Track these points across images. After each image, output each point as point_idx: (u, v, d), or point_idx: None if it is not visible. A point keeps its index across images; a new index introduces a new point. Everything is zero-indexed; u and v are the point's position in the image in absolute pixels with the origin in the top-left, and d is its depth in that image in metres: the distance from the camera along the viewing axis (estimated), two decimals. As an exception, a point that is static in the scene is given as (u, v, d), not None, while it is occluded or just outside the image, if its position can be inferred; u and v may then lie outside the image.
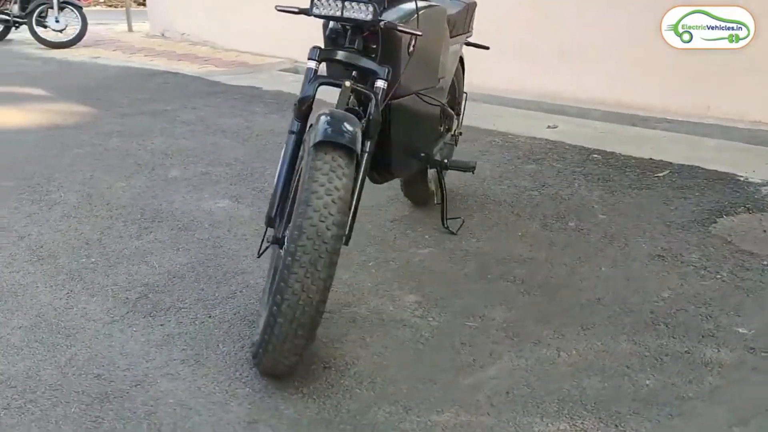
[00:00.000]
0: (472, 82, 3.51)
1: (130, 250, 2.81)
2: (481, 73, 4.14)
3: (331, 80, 2.03)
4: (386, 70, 1.97)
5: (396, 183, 3.06)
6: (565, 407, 1.88)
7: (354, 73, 2.04)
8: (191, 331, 2.22)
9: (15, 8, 9.45)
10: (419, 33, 2.00)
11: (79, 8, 9.39)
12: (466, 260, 2.77)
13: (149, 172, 3.85)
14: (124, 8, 12.31)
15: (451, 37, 2.72)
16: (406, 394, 1.94)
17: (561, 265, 2.73)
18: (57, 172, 3.82)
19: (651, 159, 4.08)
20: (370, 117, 1.94)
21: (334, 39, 2.02)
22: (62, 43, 9.30)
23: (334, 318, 2.30)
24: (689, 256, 2.79)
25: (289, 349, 1.80)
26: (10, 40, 10.02)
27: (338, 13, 1.91)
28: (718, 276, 2.63)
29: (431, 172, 3.01)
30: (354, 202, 1.91)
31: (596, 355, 2.12)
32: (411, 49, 2.09)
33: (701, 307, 2.41)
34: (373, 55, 2.01)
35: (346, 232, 1.81)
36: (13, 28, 9.74)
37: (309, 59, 2.00)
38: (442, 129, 2.99)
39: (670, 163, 3.95)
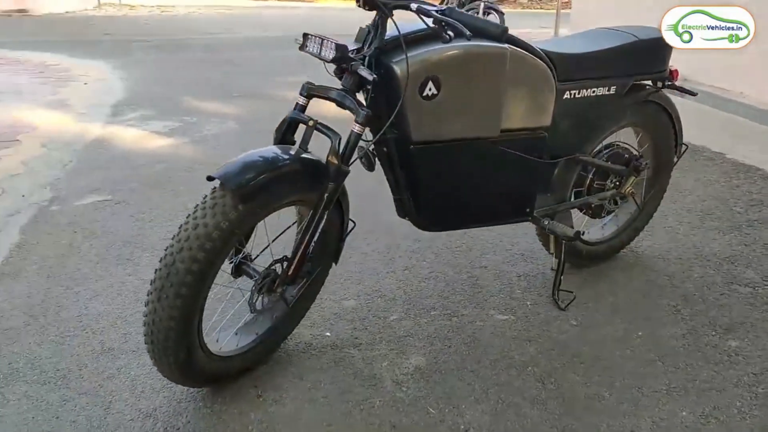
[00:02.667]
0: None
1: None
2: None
3: (298, 115, 1.97)
4: (363, 113, 1.88)
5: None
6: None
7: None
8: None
9: None
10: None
11: (501, 13, 9.29)
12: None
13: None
14: (553, 10, 11.79)
15: (574, 80, 2.31)
16: None
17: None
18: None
19: None
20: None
21: (338, 75, 1.97)
22: None
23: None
24: None
25: (161, 364, 1.86)
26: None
27: (316, 51, 1.89)
28: None
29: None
30: (305, 238, 1.96)
31: None
32: (428, 93, 1.95)
33: None
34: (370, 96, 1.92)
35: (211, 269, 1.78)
36: None
37: (299, 94, 1.97)
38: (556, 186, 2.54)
39: None
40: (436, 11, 1.83)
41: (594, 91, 2.38)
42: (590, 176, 2.64)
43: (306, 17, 14.95)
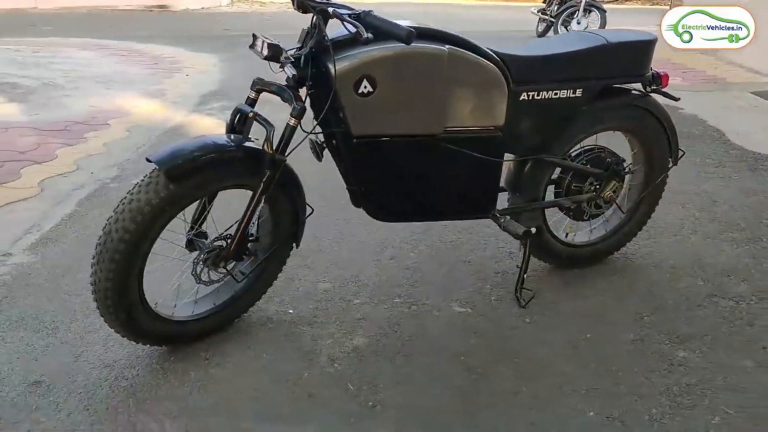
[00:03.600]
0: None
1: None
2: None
3: (243, 107, 2.16)
4: (296, 107, 2.07)
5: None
6: None
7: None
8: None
9: (554, 8, 10.26)
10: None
11: (603, 11, 9.73)
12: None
13: None
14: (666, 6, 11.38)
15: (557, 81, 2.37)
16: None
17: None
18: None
19: None
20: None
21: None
22: None
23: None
24: None
25: (107, 321, 2.14)
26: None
27: (258, 50, 2.08)
28: None
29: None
30: (243, 220, 2.17)
31: None
32: (363, 90, 2.09)
33: None
34: (310, 92, 2.12)
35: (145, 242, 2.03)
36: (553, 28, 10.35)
37: (250, 88, 2.17)
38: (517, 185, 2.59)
39: None
40: (349, 15, 1.97)
41: (556, 94, 2.41)
42: (568, 178, 2.67)
43: (447, 15, 15.12)
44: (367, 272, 2.85)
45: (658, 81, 2.61)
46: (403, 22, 2.07)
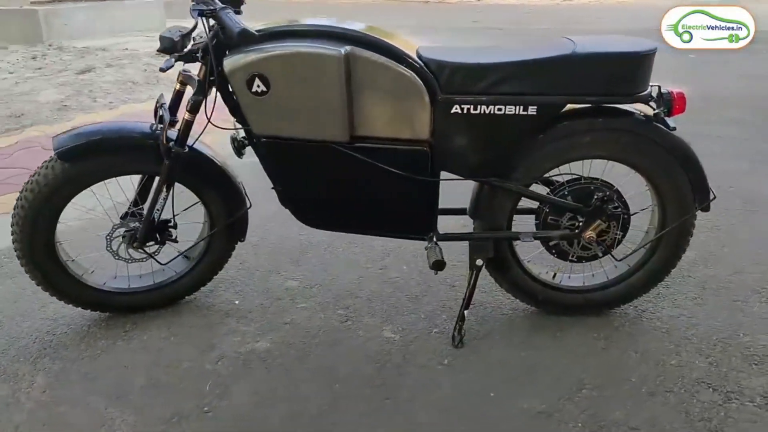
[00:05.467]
0: None
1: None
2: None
3: (161, 98, 2.25)
4: (191, 101, 2.10)
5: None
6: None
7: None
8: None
9: None
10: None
11: None
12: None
13: None
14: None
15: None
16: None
17: None
18: None
19: None
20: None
21: None
22: None
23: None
24: None
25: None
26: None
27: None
28: None
29: None
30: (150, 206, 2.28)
31: None
32: (257, 89, 2.03)
33: None
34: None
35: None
36: None
37: (176, 80, 2.22)
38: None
39: None
40: (200, 13, 1.92)
41: (500, 110, 2.06)
42: (545, 210, 2.28)
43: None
44: (343, 279, 2.75)
45: (669, 103, 2.09)
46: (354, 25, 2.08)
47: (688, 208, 2.23)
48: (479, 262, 2.26)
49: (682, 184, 2.20)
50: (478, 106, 2.06)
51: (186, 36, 2.08)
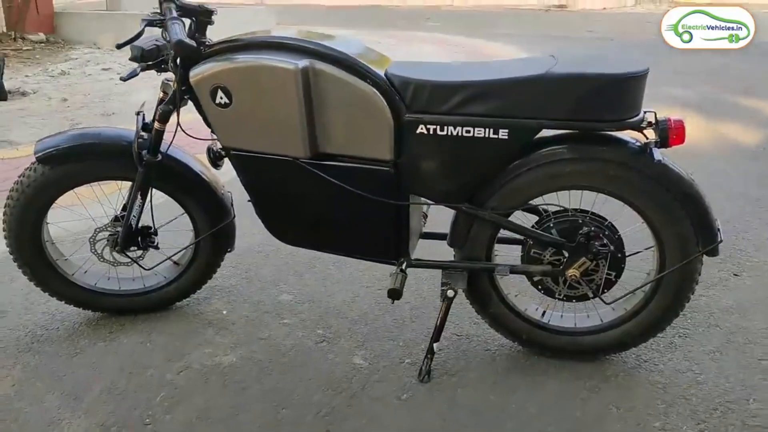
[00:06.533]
0: None
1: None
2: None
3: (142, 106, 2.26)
4: (160, 111, 2.11)
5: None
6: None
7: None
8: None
9: None
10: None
11: None
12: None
13: None
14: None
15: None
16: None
17: None
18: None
19: None
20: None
21: None
22: None
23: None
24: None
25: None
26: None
27: None
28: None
29: None
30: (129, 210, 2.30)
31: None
32: (220, 101, 1.99)
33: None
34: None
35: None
36: None
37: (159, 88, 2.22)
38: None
39: None
40: (148, 23, 1.91)
41: (468, 132, 1.90)
42: (529, 242, 2.09)
43: None
44: (336, 297, 2.67)
45: (664, 132, 1.85)
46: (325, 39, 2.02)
47: (690, 251, 1.96)
48: (450, 293, 2.11)
49: (679, 224, 1.94)
50: (445, 127, 1.91)
51: (161, 46, 2.08)
